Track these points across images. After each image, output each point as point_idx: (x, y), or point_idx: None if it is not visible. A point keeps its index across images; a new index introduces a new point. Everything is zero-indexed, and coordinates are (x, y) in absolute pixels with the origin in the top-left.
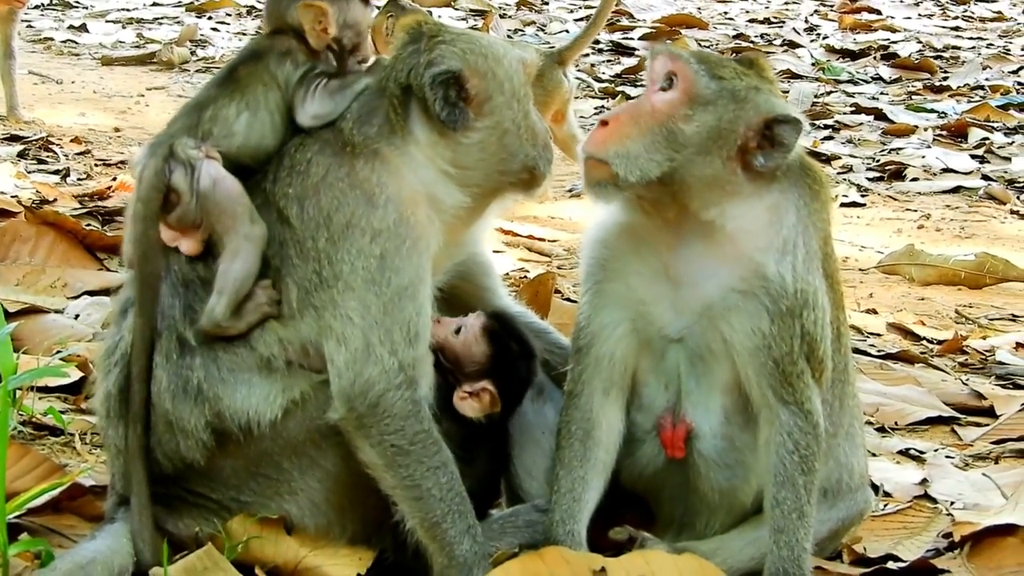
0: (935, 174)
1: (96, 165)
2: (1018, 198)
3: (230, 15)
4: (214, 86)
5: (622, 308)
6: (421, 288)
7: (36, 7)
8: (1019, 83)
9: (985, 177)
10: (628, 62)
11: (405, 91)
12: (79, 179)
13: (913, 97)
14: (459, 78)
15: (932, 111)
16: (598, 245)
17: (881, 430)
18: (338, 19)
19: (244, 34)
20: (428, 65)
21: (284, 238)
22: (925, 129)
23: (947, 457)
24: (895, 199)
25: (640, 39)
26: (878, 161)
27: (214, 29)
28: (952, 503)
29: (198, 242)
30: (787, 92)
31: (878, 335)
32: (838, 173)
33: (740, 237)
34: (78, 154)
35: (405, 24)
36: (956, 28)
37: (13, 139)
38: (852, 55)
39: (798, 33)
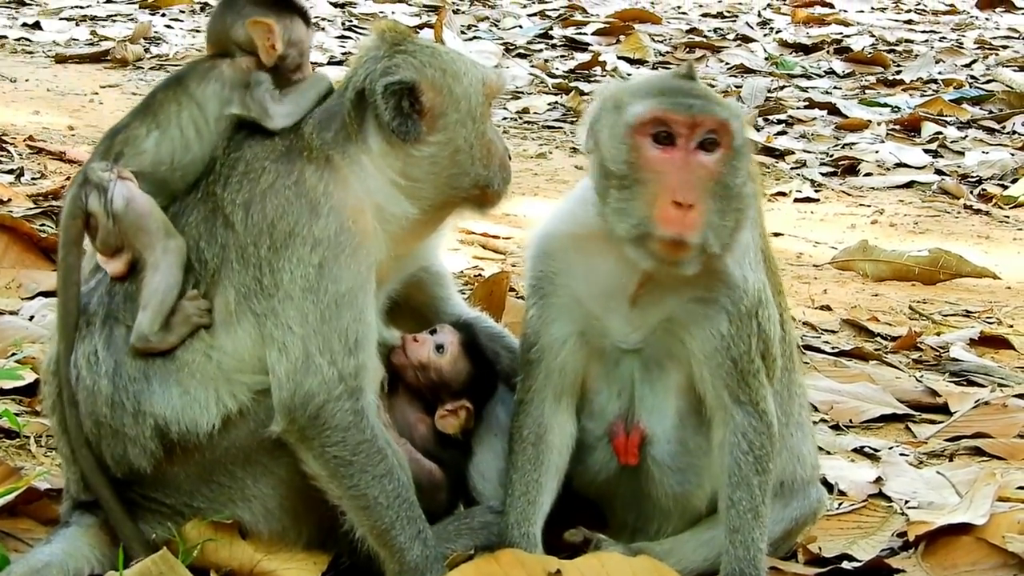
0: (888, 169)
1: (50, 163)
2: (971, 193)
3: (184, 12)
4: (132, 113)
5: (572, 321)
6: (361, 296)
7: None
8: (972, 77)
9: (938, 172)
10: (581, 57)
11: (361, 96)
12: (33, 178)
13: (866, 91)
14: (414, 90)
15: (885, 105)
16: (544, 258)
17: (835, 428)
18: (284, 37)
19: (198, 31)
20: (384, 73)
21: (227, 242)
22: (878, 124)
23: (901, 455)
24: (849, 194)
25: (594, 34)
26: (831, 156)
27: (168, 26)
28: (907, 501)
29: (123, 263)
30: (740, 87)
31: (832, 332)
32: (791, 168)
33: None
34: (32, 153)
35: (377, 27)
36: (909, 21)
37: None
38: (805, 49)
39: (751, 27)
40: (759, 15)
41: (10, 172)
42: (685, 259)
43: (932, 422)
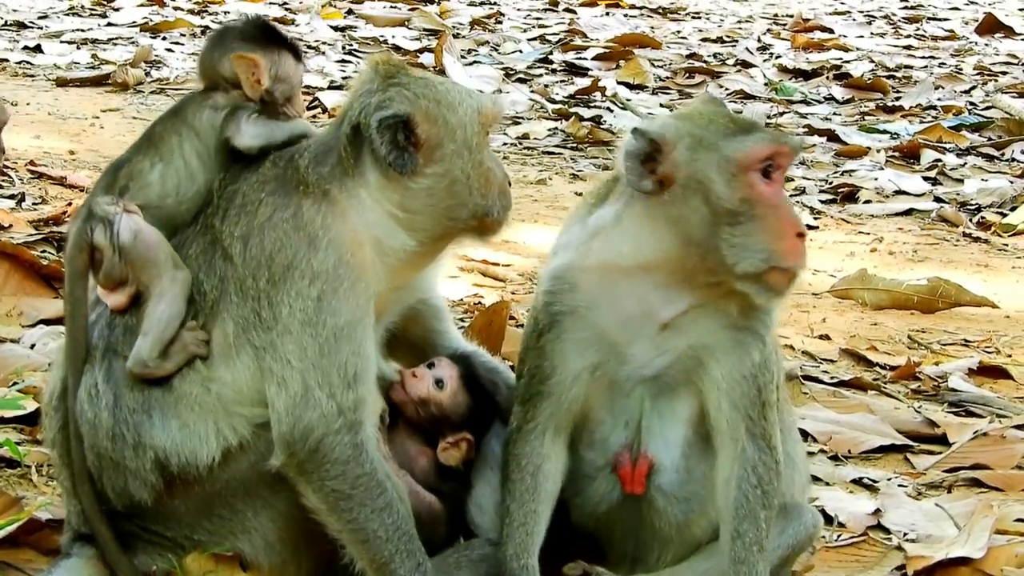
0: (888, 196)
1: (51, 188)
2: (970, 221)
3: (185, 36)
4: (134, 147)
5: (590, 354)
6: (359, 329)
7: None
8: (971, 103)
9: (937, 199)
10: (581, 82)
11: (356, 131)
12: (34, 203)
13: (866, 118)
14: (409, 122)
15: (885, 132)
16: (568, 291)
17: (834, 458)
18: (270, 72)
19: (198, 55)
20: (378, 107)
21: (225, 274)
22: (878, 151)
23: (900, 486)
24: (848, 222)
25: (593, 59)
26: (831, 183)
27: (168, 50)
28: (905, 534)
29: (126, 297)
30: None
31: (831, 361)
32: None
33: None
34: (33, 178)
35: (371, 60)
36: (908, 47)
37: None
38: (805, 75)
39: (751, 53)
40: (759, 40)
41: (11, 197)
42: (791, 288)
43: (931, 453)
